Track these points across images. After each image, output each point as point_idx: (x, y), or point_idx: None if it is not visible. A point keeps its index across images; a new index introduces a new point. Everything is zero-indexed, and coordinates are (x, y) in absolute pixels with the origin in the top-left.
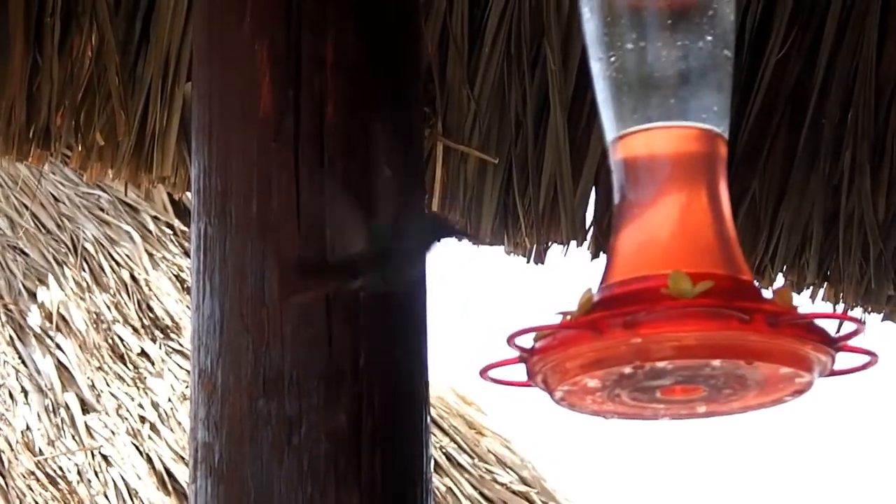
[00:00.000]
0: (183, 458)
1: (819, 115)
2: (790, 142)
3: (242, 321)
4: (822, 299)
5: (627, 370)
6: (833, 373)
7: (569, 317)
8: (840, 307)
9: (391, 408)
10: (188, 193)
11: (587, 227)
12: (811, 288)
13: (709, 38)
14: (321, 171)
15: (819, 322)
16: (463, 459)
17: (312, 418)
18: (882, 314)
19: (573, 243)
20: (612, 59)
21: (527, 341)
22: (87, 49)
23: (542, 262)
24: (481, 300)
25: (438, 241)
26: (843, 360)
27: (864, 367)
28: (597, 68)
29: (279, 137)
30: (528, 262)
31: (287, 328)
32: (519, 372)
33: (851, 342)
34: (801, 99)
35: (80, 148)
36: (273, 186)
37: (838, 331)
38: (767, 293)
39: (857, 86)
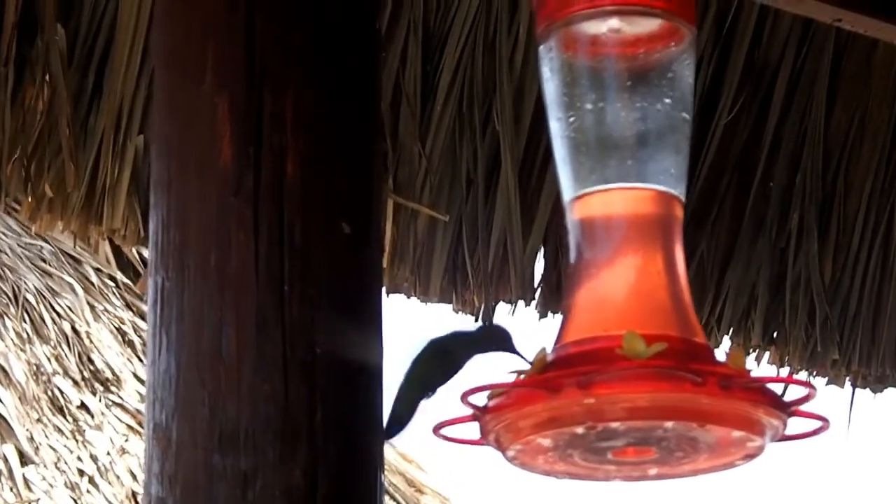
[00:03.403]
0: None
1: (767, 179)
2: (738, 204)
3: (199, 376)
4: (768, 362)
5: (580, 430)
6: (785, 437)
7: (523, 375)
8: (785, 370)
9: (347, 466)
10: (135, 247)
11: (535, 286)
12: (756, 351)
13: (667, 100)
14: (280, 226)
15: (771, 386)
16: None
17: (268, 475)
18: (827, 378)
19: (521, 303)
20: (571, 119)
21: (480, 399)
22: (40, 100)
23: (490, 321)
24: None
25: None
26: (795, 425)
27: (815, 432)
28: (555, 128)
29: (239, 193)
30: (476, 320)
31: (244, 384)
32: (472, 430)
33: (804, 407)
34: (750, 162)
35: (29, 199)
36: (232, 241)
37: (794, 396)
38: (721, 356)
39: (806, 150)
